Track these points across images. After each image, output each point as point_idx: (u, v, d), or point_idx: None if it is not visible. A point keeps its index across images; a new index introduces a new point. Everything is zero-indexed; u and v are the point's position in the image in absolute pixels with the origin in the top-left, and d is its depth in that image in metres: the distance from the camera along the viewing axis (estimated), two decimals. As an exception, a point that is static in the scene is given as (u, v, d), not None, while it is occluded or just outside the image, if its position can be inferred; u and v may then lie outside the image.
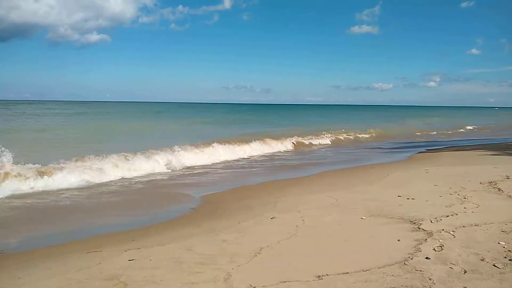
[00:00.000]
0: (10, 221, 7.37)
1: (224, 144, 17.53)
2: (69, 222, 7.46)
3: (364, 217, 6.72)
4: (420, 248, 5.11)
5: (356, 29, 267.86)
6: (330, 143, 24.15)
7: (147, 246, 5.65)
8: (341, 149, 21.33)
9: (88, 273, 4.70)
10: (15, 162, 10.63)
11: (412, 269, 4.49)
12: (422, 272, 4.40)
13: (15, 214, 7.80)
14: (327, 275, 4.42)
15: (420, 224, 6.16)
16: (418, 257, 4.83)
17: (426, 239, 5.44)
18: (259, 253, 5.17)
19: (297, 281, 4.29)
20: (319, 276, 4.38)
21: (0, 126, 29.57)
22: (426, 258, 4.78)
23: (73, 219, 7.66)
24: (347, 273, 4.45)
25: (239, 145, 18.13)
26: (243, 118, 53.28)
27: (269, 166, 14.54)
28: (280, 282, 4.27)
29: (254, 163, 15.47)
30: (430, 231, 5.77)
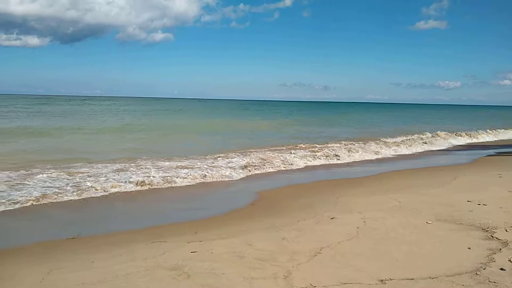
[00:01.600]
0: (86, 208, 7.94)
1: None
2: (136, 210, 7.88)
3: (430, 222, 6.41)
4: (493, 258, 4.77)
5: (421, 24, 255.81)
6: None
7: (208, 239, 5.80)
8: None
9: (154, 262, 4.91)
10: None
11: (485, 280, 4.21)
12: (496, 284, 4.11)
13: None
14: (391, 279, 4.27)
15: (494, 232, 5.75)
16: (491, 267, 4.52)
17: (500, 249, 5.08)
18: (319, 252, 5.11)
19: (359, 283, 4.19)
20: (382, 280, 4.25)
21: (124, 122, 31.34)
22: (501, 269, 4.46)
23: (139, 208, 8.09)
24: (412, 279, 4.27)
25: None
26: (332, 118, 49.36)
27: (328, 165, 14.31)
28: (341, 283, 4.20)
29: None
30: (505, 241, 5.37)
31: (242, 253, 5.12)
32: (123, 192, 9.10)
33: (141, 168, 11.38)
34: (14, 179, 9.48)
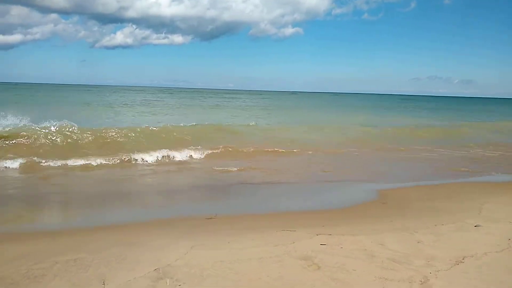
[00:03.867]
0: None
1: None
2: (266, 197, 8.22)
3: None
4: None
5: None
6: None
7: (337, 233, 5.74)
8: None
9: (284, 249, 5.05)
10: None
11: None
12: None
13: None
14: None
15: None
16: None
17: None
18: (461, 261, 4.65)
19: (512, 302, 3.70)
20: (542, 303, 3.67)
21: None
22: None
23: (270, 195, 8.42)
24: None
25: None
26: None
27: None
28: (490, 299, 3.75)
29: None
30: None
31: (373, 252, 4.95)
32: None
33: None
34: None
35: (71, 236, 5.68)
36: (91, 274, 4.28)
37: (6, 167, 10.08)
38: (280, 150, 14.31)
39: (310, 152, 14.23)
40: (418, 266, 4.52)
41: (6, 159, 10.38)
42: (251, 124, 20.97)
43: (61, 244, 5.28)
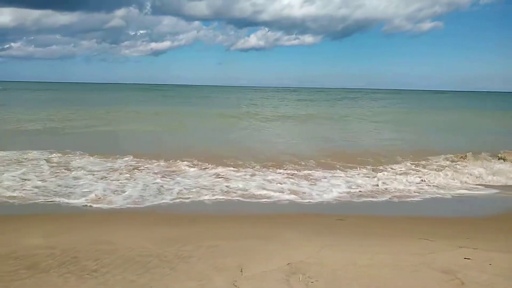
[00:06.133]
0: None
1: None
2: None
3: None
4: None
5: None
6: None
7: (484, 248, 5.15)
8: None
9: (422, 259, 4.73)
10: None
11: None
12: None
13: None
14: None
15: None
16: None
17: None
18: None
19: None
20: None
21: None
22: None
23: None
24: None
25: None
26: None
27: None
28: None
29: None
30: None
31: (531, 274, 4.32)
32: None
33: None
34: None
35: (207, 224, 6.25)
36: (229, 261, 4.63)
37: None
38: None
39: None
40: None
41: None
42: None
43: (201, 231, 5.83)
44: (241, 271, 4.33)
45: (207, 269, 4.41)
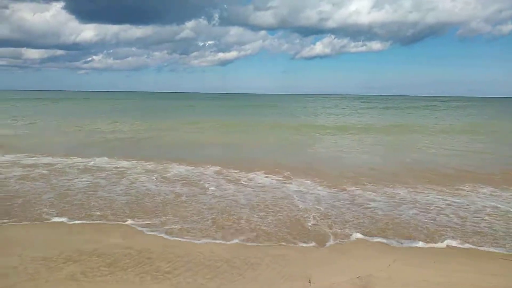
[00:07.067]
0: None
1: None
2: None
3: None
4: None
5: None
6: None
7: None
8: None
9: (505, 280, 4.39)
10: None
11: None
12: None
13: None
14: None
15: None
16: None
17: None
18: None
19: None
20: None
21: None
22: None
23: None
24: None
25: None
26: None
27: None
28: None
29: None
30: None
31: None
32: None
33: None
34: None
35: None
36: (296, 270, 4.62)
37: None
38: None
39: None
40: None
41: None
42: None
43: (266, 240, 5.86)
44: (310, 282, 4.30)
45: (274, 277, 4.44)
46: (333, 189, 8.60)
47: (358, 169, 10.93)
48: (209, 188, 8.60)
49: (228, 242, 5.55)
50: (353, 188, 8.74)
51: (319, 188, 8.71)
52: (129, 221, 6.40)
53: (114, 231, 5.97)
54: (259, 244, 5.54)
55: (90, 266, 4.63)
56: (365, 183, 9.21)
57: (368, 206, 7.39)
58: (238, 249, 5.31)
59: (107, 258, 4.86)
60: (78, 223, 6.31)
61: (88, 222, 6.37)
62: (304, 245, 5.53)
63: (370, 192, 8.35)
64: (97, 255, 4.96)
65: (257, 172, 10.14)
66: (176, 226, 6.16)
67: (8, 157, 11.95)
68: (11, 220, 6.35)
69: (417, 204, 7.54)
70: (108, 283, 4.26)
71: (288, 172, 10.14)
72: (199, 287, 4.21)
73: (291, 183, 9.10)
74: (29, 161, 11.32)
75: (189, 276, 4.44)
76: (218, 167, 10.69)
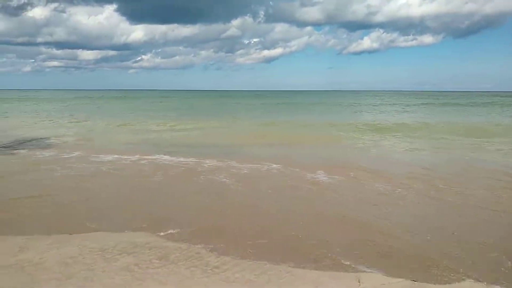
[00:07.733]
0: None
1: None
2: None
3: None
4: None
5: None
6: None
7: None
8: None
9: None
10: None
11: None
12: None
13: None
14: None
15: None
16: None
17: None
18: None
19: None
20: None
21: None
22: None
23: None
24: None
25: None
26: None
27: None
28: None
29: None
30: None
31: None
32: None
33: None
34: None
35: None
36: (346, 270, 4.55)
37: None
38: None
39: None
40: None
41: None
42: None
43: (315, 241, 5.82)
44: (359, 282, 4.22)
45: (322, 276, 4.39)
46: None
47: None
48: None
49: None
50: None
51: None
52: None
53: (167, 223, 6.16)
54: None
55: (143, 259, 4.81)
56: None
57: None
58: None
59: (158, 252, 5.02)
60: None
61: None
62: (353, 244, 5.42)
63: None
64: (149, 248, 5.14)
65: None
66: (223, 222, 6.25)
67: (76, 153, 12.68)
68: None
69: None
70: (160, 275, 4.40)
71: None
72: (247, 283, 4.25)
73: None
74: (96, 159, 11.95)
75: (237, 271, 4.50)
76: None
